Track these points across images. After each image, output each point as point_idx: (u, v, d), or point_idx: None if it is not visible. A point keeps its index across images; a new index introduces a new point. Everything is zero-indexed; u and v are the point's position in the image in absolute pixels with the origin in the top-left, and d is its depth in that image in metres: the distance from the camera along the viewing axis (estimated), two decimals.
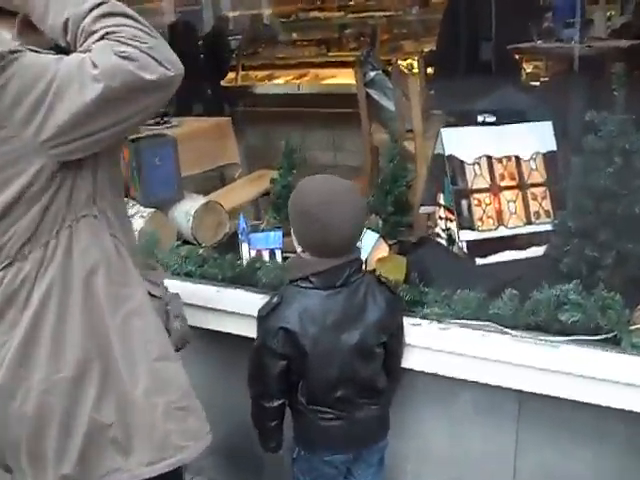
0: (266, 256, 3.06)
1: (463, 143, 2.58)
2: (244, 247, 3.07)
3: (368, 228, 2.88)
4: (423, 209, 2.84)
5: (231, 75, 8.12)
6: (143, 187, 3.29)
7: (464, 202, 2.54)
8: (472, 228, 2.53)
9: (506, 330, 2.29)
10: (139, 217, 3.28)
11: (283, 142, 3.17)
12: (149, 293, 1.89)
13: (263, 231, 3.13)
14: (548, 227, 2.60)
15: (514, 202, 2.60)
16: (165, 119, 5.13)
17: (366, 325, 2.17)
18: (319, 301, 2.14)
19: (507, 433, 2.43)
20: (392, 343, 2.29)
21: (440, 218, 2.80)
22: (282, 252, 3.04)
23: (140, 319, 1.80)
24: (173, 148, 3.31)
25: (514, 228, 2.58)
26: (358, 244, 2.82)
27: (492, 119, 2.65)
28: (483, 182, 2.58)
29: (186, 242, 3.35)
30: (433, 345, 2.35)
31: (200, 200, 3.38)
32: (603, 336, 2.15)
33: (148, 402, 1.77)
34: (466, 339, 2.31)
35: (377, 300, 2.20)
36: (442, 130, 2.57)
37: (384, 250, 2.88)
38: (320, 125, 7.67)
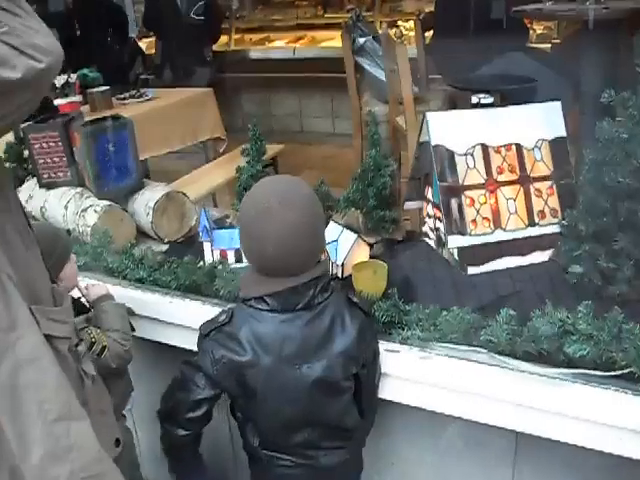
0: (231, 257, 2.69)
1: (453, 130, 2.17)
2: (206, 247, 2.69)
3: (345, 227, 2.49)
4: (408, 205, 2.45)
5: (224, 39, 7.62)
6: (96, 177, 2.90)
7: (454, 201, 2.14)
8: (463, 232, 2.13)
9: (501, 360, 1.90)
10: (92, 211, 2.89)
11: (250, 126, 2.75)
12: (49, 335, 1.51)
13: (229, 228, 2.75)
14: (554, 229, 2.19)
15: (514, 200, 2.18)
16: (141, 91, 4.72)
17: (332, 355, 1.81)
18: (274, 326, 1.78)
19: (501, 476, 2.07)
20: (364, 374, 1.92)
21: (428, 216, 2.41)
22: None
23: (33, 371, 1.44)
24: (129, 132, 2.90)
25: (514, 231, 2.17)
26: (333, 247, 2.48)
27: (489, 100, 2.23)
28: (477, 177, 2.17)
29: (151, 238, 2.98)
30: (414, 376, 1.98)
31: (161, 190, 2.99)
32: (618, 372, 1.76)
33: (45, 474, 1.42)
34: (453, 370, 1.93)
35: (346, 325, 1.84)
36: (427, 114, 2.16)
37: (364, 252, 2.49)
38: (318, 91, 7.21)
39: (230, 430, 2.57)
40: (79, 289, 2.36)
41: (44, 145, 3.09)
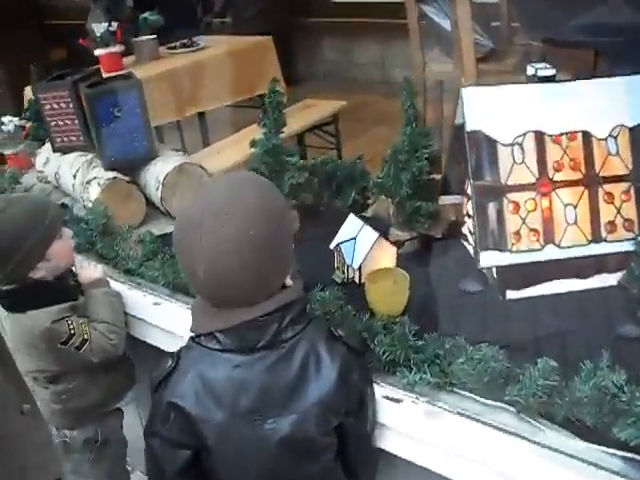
0: None
1: (497, 111, 1.65)
2: None
3: (366, 222, 2.04)
4: (443, 199, 1.95)
5: None
6: (100, 146, 2.56)
7: (492, 206, 1.64)
8: (502, 248, 1.64)
9: (532, 425, 1.43)
10: (95, 184, 2.56)
11: (268, 91, 2.31)
12: None
13: None
14: (628, 247, 1.65)
15: (575, 207, 1.66)
16: (193, 39, 4.33)
17: (304, 407, 1.40)
18: (227, 372, 1.39)
19: None
20: (351, 425, 1.50)
21: (468, 216, 1.91)
22: None
23: None
24: (137, 94, 2.53)
25: (571, 248, 1.66)
26: (350, 246, 2.04)
27: (548, 72, 1.68)
28: (526, 174, 1.65)
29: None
30: (418, 434, 1.54)
31: (174, 162, 2.61)
32: None
33: None
34: (466, 434, 1.48)
35: (323, 366, 1.42)
36: (463, 90, 1.65)
37: (387, 255, 2.03)
38: (403, 38, 6.58)
39: None
40: (74, 270, 2.07)
41: (54, 106, 2.77)
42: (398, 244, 2.17)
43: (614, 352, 1.45)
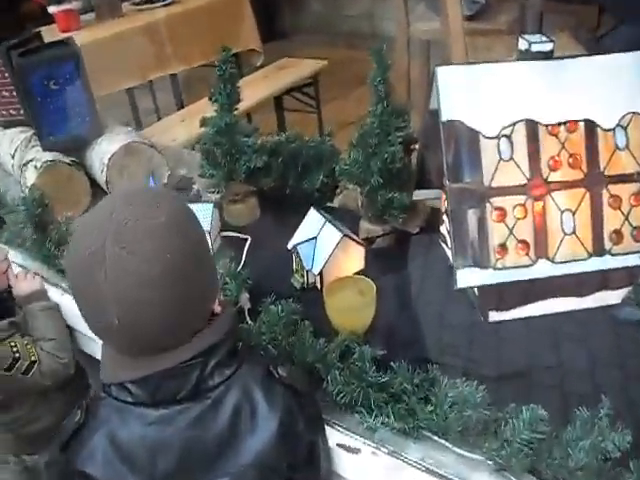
0: None
1: (479, 95, 1.34)
2: None
3: (329, 219, 1.75)
4: (418, 194, 1.66)
5: None
6: (37, 123, 2.25)
7: (471, 214, 1.35)
8: (483, 264, 1.35)
9: None
10: (32, 167, 2.26)
11: (219, 59, 1.99)
12: None
13: (194, 201, 2.05)
14: (637, 261, 1.37)
15: (573, 213, 1.37)
16: None
17: (237, 469, 1.13)
18: (141, 430, 1.12)
19: None
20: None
21: (447, 214, 1.61)
22: (211, 237, 1.97)
23: None
24: (76, 64, 2.20)
25: (568, 263, 1.37)
26: (310, 247, 1.75)
27: (545, 46, 1.37)
28: (515, 174, 1.35)
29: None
30: None
31: (119, 140, 2.30)
32: None
33: None
34: None
35: (260, 417, 1.15)
36: (437, 69, 1.34)
37: (354, 258, 1.75)
38: None
39: None
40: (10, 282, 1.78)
41: None
42: (369, 240, 1.89)
43: (617, 394, 1.19)
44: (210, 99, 2.03)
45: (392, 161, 1.78)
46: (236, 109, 2.03)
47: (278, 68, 4.03)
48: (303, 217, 1.87)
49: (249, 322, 1.66)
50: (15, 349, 1.53)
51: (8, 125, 2.51)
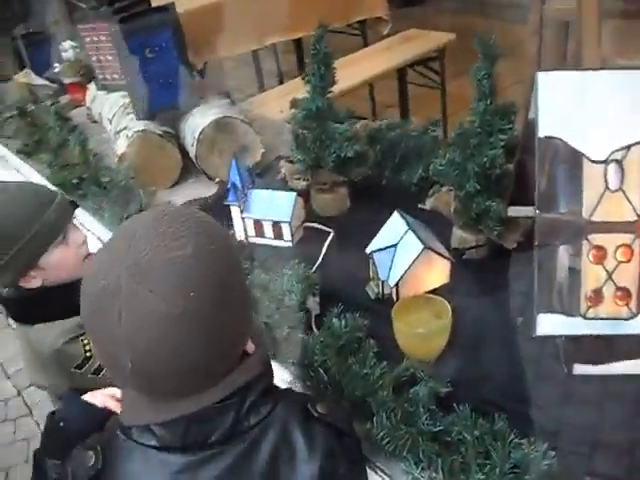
0: (269, 232, 1.90)
1: (586, 110, 1.11)
2: (234, 213, 1.92)
3: (412, 227, 1.56)
4: (513, 210, 1.44)
5: None
6: (132, 91, 2.20)
7: (562, 251, 1.13)
8: (571, 312, 1.13)
9: None
10: (124, 136, 2.22)
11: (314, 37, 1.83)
12: None
13: (274, 189, 1.93)
14: None
15: None
16: None
17: None
18: (166, 478, 1.00)
19: None
20: None
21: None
22: (291, 229, 1.85)
23: None
24: (172, 30, 2.12)
25: None
26: (388, 255, 1.58)
27: None
28: (623, 208, 1.11)
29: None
30: None
31: (213, 114, 2.21)
32: None
33: None
34: None
35: (299, 461, 1.01)
36: (538, 74, 1.12)
37: (437, 272, 1.57)
38: None
39: None
40: None
41: (95, 39, 2.42)
42: (459, 250, 1.70)
43: None
44: (303, 79, 1.88)
45: (491, 166, 1.57)
46: (330, 92, 1.87)
47: (404, 39, 3.79)
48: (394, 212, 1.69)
49: (314, 330, 1.54)
50: (87, 348, 1.44)
51: (110, 89, 2.48)
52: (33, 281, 1.40)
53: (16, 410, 2.73)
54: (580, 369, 1.21)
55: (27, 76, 3.47)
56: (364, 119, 2.17)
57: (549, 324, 1.13)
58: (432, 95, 3.94)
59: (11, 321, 1.55)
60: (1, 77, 3.49)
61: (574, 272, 1.12)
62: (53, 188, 1.52)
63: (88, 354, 1.44)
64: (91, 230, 1.96)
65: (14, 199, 1.37)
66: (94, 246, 1.75)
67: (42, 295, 1.43)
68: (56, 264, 1.41)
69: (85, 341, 1.44)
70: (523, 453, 1.11)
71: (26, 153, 2.67)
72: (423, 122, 2.09)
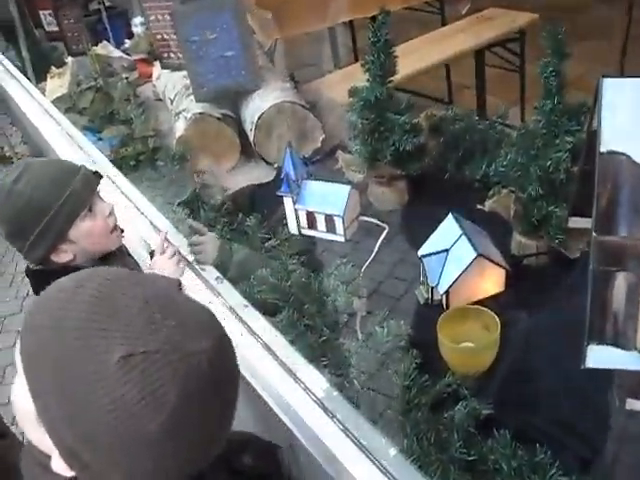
0: (321, 225, 1.84)
1: None
2: (287, 204, 1.87)
3: (465, 231, 1.47)
4: (575, 221, 1.34)
5: None
6: (191, 73, 2.17)
7: (620, 279, 1.02)
8: (625, 345, 1.03)
9: None
10: (182, 118, 2.20)
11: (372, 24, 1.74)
12: None
13: (330, 181, 1.86)
14: None
15: None
16: None
17: None
18: None
19: None
20: None
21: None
22: (344, 223, 1.79)
23: None
24: (233, 11, 2.07)
25: None
26: (439, 260, 1.49)
27: None
28: None
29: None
30: None
31: (273, 98, 2.15)
32: None
33: None
34: None
35: None
36: (602, 81, 1.01)
37: (490, 281, 1.48)
38: None
39: None
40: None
41: (159, 17, 2.41)
42: (519, 257, 1.60)
43: None
44: (363, 66, 1.80)
45: (556, 169, 1.46)
46: (390, 81, 1.78)
47: (482, 19, 3.62)
48: (457, 210, 1.60)
49: (358, 333, 1.48)
50: None
51: (174, 68, 2.46)
52: (63, 255, 1.39)
53: None
54: (634, 404, 1.11)
55: (104, 48, 3.50)
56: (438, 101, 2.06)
57: (600, 356, 1.04)
58: (511, 78, 3.76)
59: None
60: (78, 51, 3.53)
61: (632, 302, 1.02)
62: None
63: None
64: (145, 214, 1.94)
65: (39, 174, 1.36)
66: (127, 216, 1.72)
67: (70, 272, 1.42)
68: (85, 235, 1.39)
69: None
70: None
71: (94, 128, 2.69)
72: (496, 109, 1.97)
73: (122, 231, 1.45)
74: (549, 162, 1.45)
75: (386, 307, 1.51)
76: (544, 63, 1.39)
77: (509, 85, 3.77)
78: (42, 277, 1.45)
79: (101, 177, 1.48)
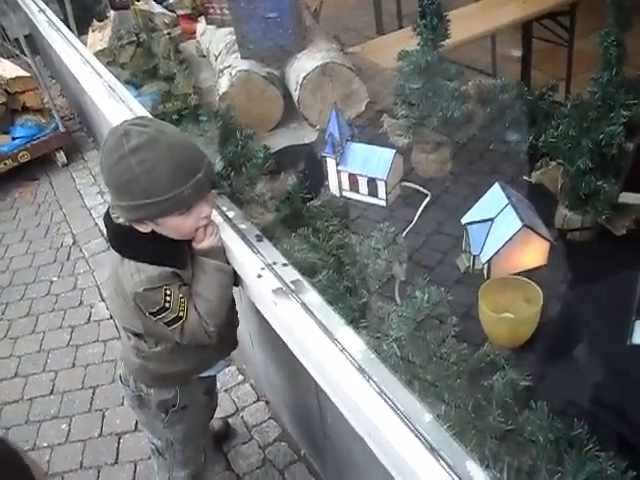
0: (364, 187, 1.83)
1: None
2: (330, 165, 1.85)
3: (513, 201, 1.45)
4: (626, 196, 1.31)
5: None
6: (237, 30, 2.15)
7: None
8: None
9: None
10: (227, 74, 2.19)
11: None
12: None
13: (373, 144, 1.84)
14: None
15: None
16: None
17: None
18: None
19: None
20: None
21: None
22: (387, 187, 1.77)
23: None
24: None
25: None
26: (483, 229, 1.47)
27: None
28: None
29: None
30: None
31: (320, 58, 2.13)
32: None
33: None
34: None
35: None
36: None
37: (534, 253, 1.46)
38: None
39: None
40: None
41: None
42: (563, 231, 1.57)
43: None
44: (414, 30, 1.76)
45: (608, 143, 1.43)
46: (441, 46, 1.75)
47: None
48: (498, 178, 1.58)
49: (397, 299, 1.47)
50: (168, 298, 1.41)
51: (219, 24, 2.44)
52: (143, 227, 1.38)
53: (108, 332, 2.84)
54: None
55: (147, 3, 3.48)
56: (481, 72, 2.02)
57: None
58: (558, 52, 3.67)
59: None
60: (121, 5, 3.52)
61: None
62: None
63: (167, 305, 1.42)
64: None
65: (159, 158, 1.27)
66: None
67: (146, 236, 1.41)
68: (170, 227, 1.38)
69: (168, 292, 1.41)
70: (600, 467, 1.02)
71: (136, 83, 2.69)
72: (542, 83, 1.93)
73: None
74: (602, 135, 1.42)
75: (425, 274, 1.49)
76: (605, 32, 1.35)
77: (556, 60, 3.69)
78: (119, 231, 1.46)
79: (215, 187, 1.45)
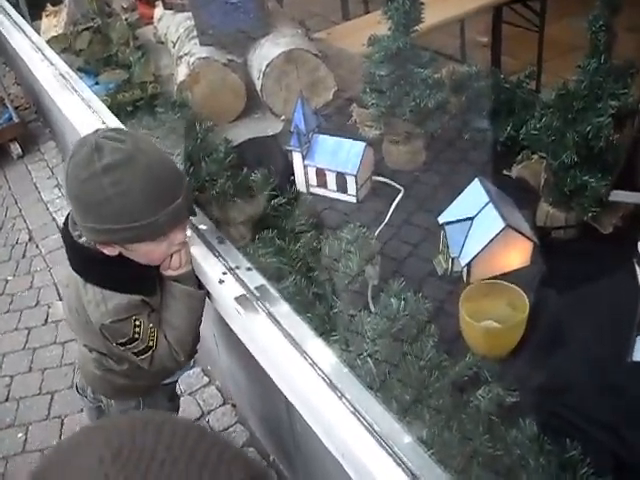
0: (332, 183, 1.71)
1: None
2: (296, 160, 1.73)
3: (492, 198, 1.35)
4: (617, 194, 1.22)
5: None
6: (196, 13, 2.01)
7: None
8: None
9: None
10: (185, 62, 2.05)
11: None
12: None
13: (341, 136, 1.72)
14: None
15: None
16: None
17: None
18: None
19: None
20: None
21: None
22: (357, 182, 1.66)
23: None
24: None
25: None
26: (462, 229, 1.36)
27: None
28: None
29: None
30: None
31: (284, 44, 2.00)
32: None
33: None
34: None
35: None
36: None
37: (517, 254, 1.36)
38: None
39: None
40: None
41: None
42: (545, 229, 1.48)
43: None
44: (385, 13, 1.64)
45: (595, 136, 1.33)
46: (414, 31, 1.63)
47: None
48: (475, 177, 1.47)
49: (370, 304, 1.36)
50: (137, 330, 1.31)
51: (178, 9, 2.30)
52: (109, 249, 1.25)
53: (66, 333, 2.71)
54: None
55: None
56: (450, 58, 1.92)
57: None
58: (528, 37, 3.59)
59: None
60: None
61: None
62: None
63: (136, 336, 1.31)
64: None
65: (134, 181, 1.14)
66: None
67: (113, 260, 1.28)
68: (141, 254, 1.27)
69: (137, 322, 1.30)
70: None
71: (93, 71, 2.54)
72: (513, 69, 1.84)
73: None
74: (588, 127, 1.32)
75: (400, 277, 1.39)
76: (593, 17, 1.25)
77: (526, 45, 3.61)
78: (82, 253, 1.33)
79: (194, 215, 1.35)
